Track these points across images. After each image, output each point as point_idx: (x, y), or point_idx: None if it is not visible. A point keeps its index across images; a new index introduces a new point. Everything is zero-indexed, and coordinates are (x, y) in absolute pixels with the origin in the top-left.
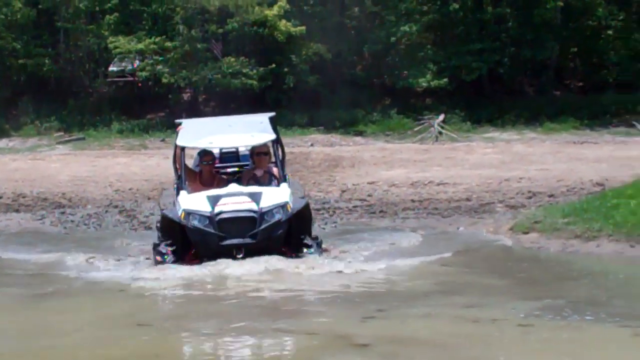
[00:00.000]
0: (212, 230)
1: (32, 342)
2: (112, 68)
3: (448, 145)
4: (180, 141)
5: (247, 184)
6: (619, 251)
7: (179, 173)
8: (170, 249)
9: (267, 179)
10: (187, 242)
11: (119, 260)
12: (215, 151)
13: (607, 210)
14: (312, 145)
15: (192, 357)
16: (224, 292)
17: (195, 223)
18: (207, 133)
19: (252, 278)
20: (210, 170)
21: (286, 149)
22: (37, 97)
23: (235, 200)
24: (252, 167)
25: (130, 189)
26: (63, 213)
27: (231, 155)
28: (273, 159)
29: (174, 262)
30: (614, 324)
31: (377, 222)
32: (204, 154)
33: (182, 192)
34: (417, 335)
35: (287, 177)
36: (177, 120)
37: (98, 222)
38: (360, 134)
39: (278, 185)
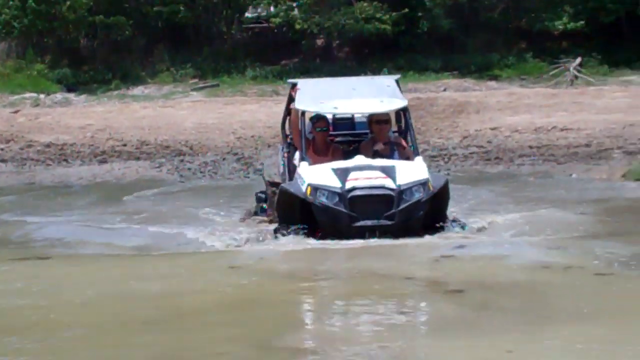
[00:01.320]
0: (344, 210)
1: None
2: (247, 14)
3: (577, 90)
4: (300, 104)
5: (369, 156)
6: None
7: (298, 140)
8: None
9: (390, 151)
10: (309, 221)
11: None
12: (329, 117)
13: None
14: (444, 90)
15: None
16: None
17: (324, 200)
18: (328, 96)
19: None
20: (325, 138)
21: (417, 95)
22: (173, 44)
23: (367, 174)
24: (371, 136)
25: (252, 136)
26: (182, 161)
27: (346, 122)
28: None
29: None
30: None
31: (491, 168)
32: (318, 119)
33: (304, 164)
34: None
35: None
36: (291, 80)
37: (214, 170)
38: (494, 78)
39: (402, 158)
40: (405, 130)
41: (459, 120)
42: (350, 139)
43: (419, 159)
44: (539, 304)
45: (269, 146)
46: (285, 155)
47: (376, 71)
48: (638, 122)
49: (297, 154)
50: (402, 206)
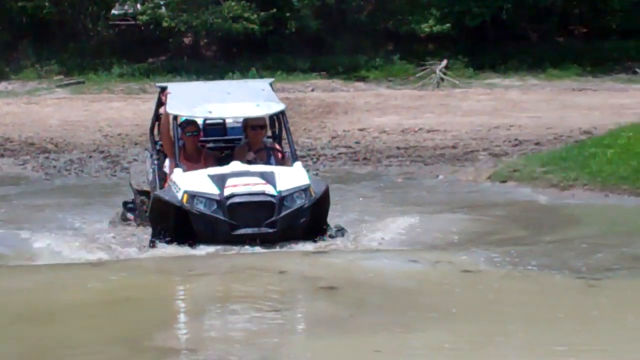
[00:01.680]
0: (223, 217)
1: None
2: (113, 11)
3: (444, 92)
4: (172, 109)
5: (244, 163)
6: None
7: (169, 146)
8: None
9: (265, 157)
10: (184, 230)
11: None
12: (199, 122)
13: (584, 160)
14: (312, 90)
15: None
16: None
17: (201, 207)
18: (201, 100)
19: None
20: (195, 143)
21: (285, 95)
22: (38, 40)
23: (246, 181)
24: (245, 142)
25: (119, 134)
26: (47, 158)
27: (217, 128)
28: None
29: None
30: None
31: (360, 169)
32: (187, 123)
33: (178, 170)
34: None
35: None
36: (159, 84)
37: (80, 168)
38: (362, 79)
39: (279, 164)
40: (279, 135)
41: (327, 120)
42: (223, 145)
43: (298, 165)
44: (409, 303)
45: (136, 144)
46: (152, 161)
47: (244, 70)
48: (503, 125)
49: (167, 161)
50: (284, 213)
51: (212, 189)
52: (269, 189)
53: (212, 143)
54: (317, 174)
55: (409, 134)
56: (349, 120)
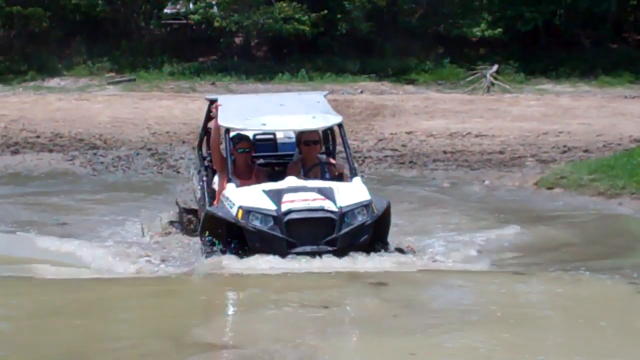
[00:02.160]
0: (279, 234)
1: None
2: (166, 10)
3: (494, 97)
4: (224, 121)
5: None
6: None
7: (219, 161)
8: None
9: (320, 174)
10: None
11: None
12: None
13: (633, 168)
14: (361, 92)
15: None
16: None
17: (257, 224)
18: (254, 112)
19: None
20: (247, 160)
21: (334, 97)
22: (91, 37)
23: (303, 196)
24: (299, 158)
25: (167, 132)
26: (95, 154)
27: (267, 144)
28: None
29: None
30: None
31: (405, 172)
32: (239, 139)
33: (231, 185)
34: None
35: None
36: (209, 97)
37: (127, 165)
38: (411, 82)
39: (332, 180)
40: (334, 151)
41: (375, 123)
42: (274, 161)
43: (357, 180)
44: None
45: (184, 142)
46: (204, 179)
47: (294, 71)
48: (552, 131)
49: (216, 177)
50: (345, 230)
51: (269, 205)
52: (328, 205)
53: (262, 159)
54: (363, 176)
55: (457, 138)
56: (397, 123)
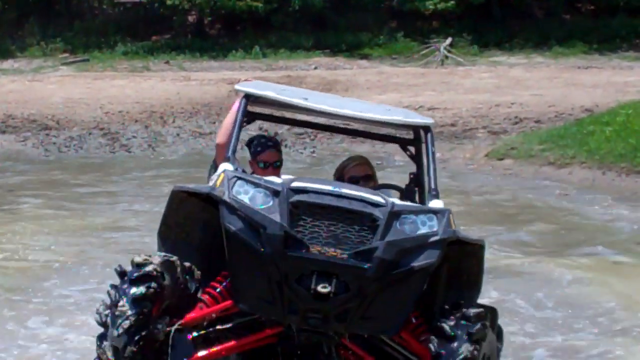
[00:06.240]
0: (277, 219)
1: None
2: None
3: (447, 70)
4: (244, 86)
5: None
6: (589, 178)
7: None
8: None
9: None
10: None
11: None
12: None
13: (583, 137)
14: (315, 68)
15: None
16: None
17: (244, 199)
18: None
19: None
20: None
21: (287, 72)
22: (43, 18)
23: (337, 184)
24: None
25: (120, 112)
26: (47, 135)
27: None
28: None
29: None
30: None
31: (357, 147)
32: (263, 145)
33: (225, 164)
34: None
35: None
36: (243, 86)
37: (79, 145)
38: (365, 57)
39: None
40: (419, 169)
41: None
42: None
43: (437, 203)
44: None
45: (136, 121)
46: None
47: (247, 48)
48: (504, 103)
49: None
50: (392, 238)
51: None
52: (372, 197)
53: None
54: (314, 152)
55: None
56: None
